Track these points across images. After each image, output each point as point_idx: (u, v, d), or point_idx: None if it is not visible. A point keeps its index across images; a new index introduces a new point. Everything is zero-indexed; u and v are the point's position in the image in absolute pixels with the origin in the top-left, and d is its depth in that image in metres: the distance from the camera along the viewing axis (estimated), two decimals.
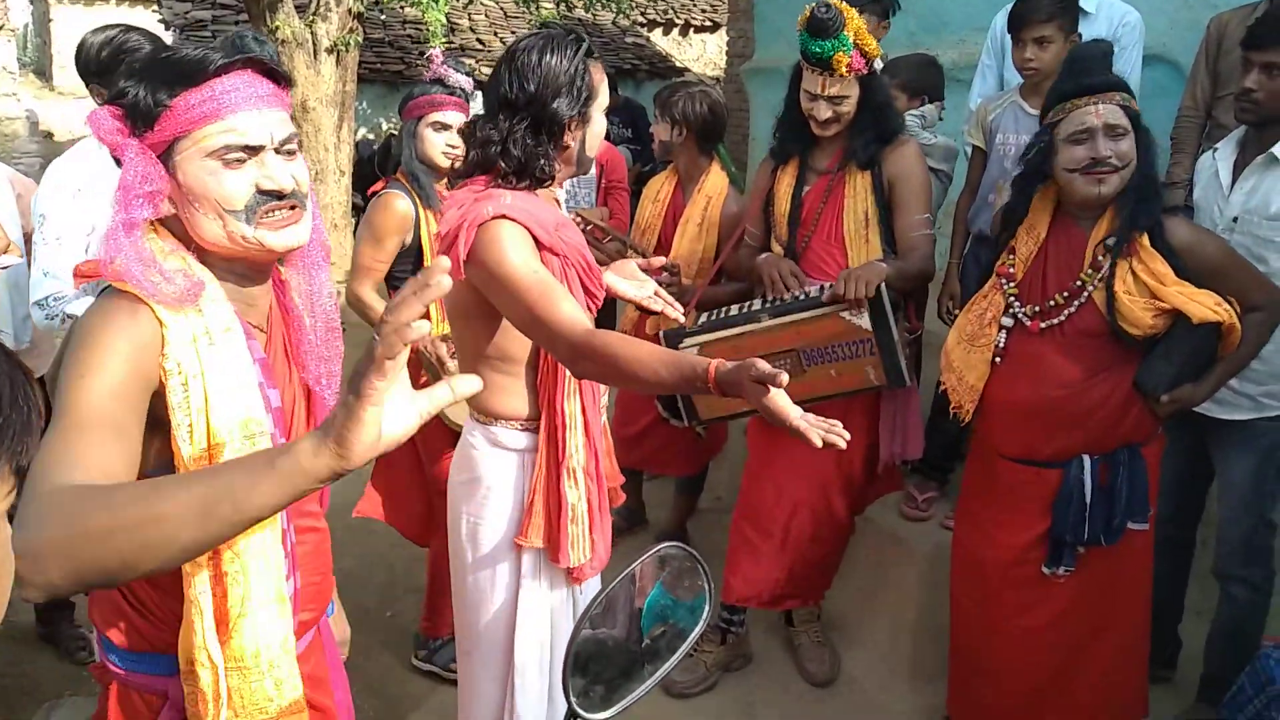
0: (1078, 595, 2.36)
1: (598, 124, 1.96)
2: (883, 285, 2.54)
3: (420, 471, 3.01)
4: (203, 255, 1.31)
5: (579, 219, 3.31)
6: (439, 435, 2.84)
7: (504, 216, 1.82)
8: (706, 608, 1.27)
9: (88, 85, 2.63)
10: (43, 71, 18.47)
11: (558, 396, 1.95)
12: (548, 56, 1.85)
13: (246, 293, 1.35)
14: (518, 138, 1.87)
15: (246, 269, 1.34)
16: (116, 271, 1.22)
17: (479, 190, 1.90)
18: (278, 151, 1.30)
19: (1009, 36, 3.14)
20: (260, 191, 1.28)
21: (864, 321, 2.56)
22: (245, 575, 1.27)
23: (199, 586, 1.26)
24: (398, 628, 3.34)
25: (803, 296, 2.65)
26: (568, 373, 1.90)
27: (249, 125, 1.26)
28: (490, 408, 2.03)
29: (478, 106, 2.56)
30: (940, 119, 3.65)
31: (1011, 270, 2.35)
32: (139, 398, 1.20)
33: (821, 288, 2.64)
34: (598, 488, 2.02)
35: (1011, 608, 2.41)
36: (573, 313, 1.76)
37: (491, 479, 2.04)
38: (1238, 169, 2.59)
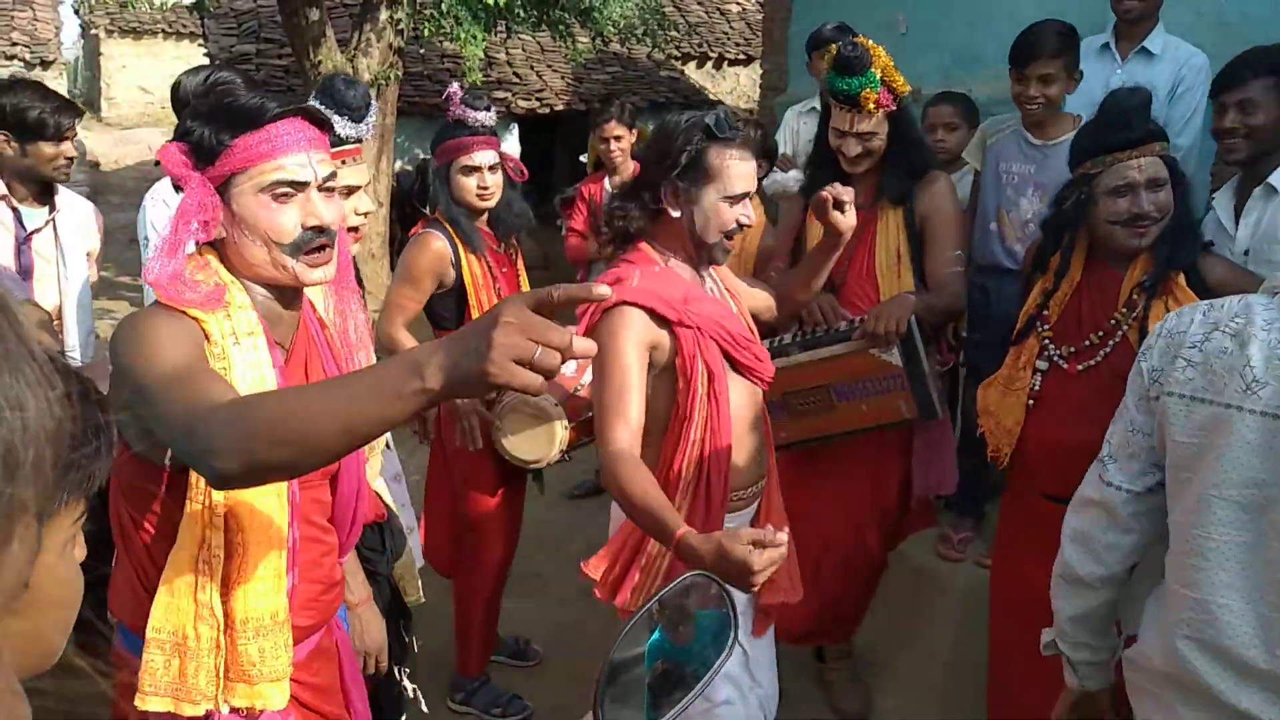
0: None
1: (712, 208, 1.94)
2: (913, 319, 2.54)
3: (454, 502, 3.02)
4: (239, 275, 1.47)
5: None
6: (482, 472, 2.85)
7: (624, 301, 1.89)
8: (732, 637, 1.27)
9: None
10: (92, 104, 18.96)
11: (677, 456, 1.98)
12: (667, 126, 1.96)
13: (274, 311, 1.49)
14: (627, 200, 2.01)
15: (278, 292, 1.50)
16: (155, 284, 1.37)
17: (615, 267, 2.00)
18: (320, 189, 1.45)
19: (1012, 68, 3.03)
20: (306, 229, 1.43)
21: (894, 358, 2.56)
22: (245, 549, 1.42)
23: (213, 549, 1.40)
24: (425, 654, 3.35)
25: (833, 331, 2.66)
26: (693, 436, 1.94)
27: (297, 164, 1.41)
28: None
29: (511, 144, 2.60)
30: None
31: (1045, 313, 2.34)
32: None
33: (851, 322, 2.64)
34: None
35: None
36: (630, 418, 1.84)
37: (615, 514, 2.13)
38: (1238, 211, 2.59)
